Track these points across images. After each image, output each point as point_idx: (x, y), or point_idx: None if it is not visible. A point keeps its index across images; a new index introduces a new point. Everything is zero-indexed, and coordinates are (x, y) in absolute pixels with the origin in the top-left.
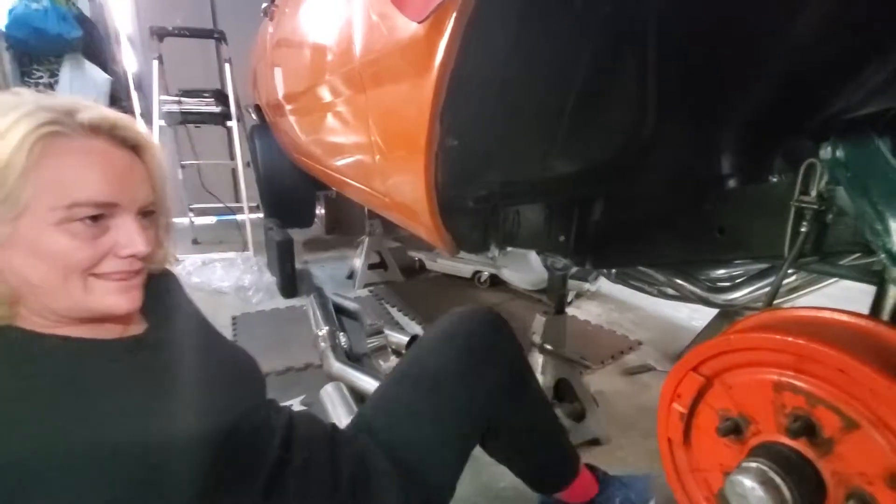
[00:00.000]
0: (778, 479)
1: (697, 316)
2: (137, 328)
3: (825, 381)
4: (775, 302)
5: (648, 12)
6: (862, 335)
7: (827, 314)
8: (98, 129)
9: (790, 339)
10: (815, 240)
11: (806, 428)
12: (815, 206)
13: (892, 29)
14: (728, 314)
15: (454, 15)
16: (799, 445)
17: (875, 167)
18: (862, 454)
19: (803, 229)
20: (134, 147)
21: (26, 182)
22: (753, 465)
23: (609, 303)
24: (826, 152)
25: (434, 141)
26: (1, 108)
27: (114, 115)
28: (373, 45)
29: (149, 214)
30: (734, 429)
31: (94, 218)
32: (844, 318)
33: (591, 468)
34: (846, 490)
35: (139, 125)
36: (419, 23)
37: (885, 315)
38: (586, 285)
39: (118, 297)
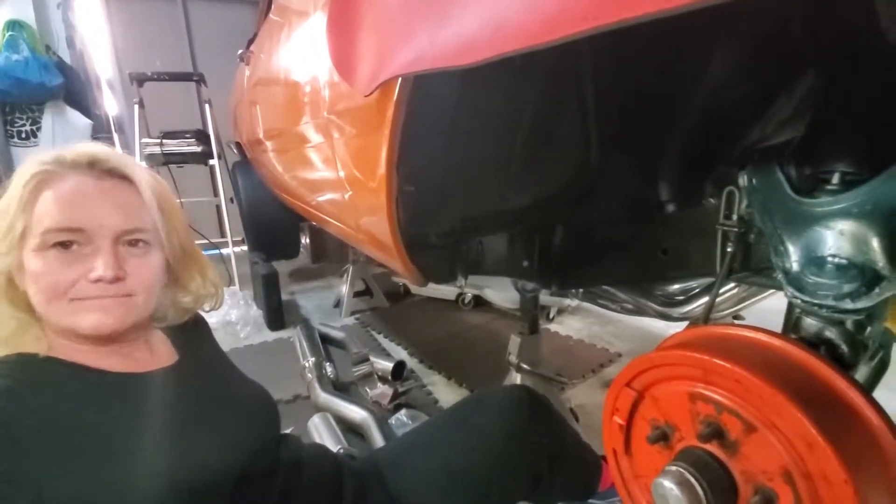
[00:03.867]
0: (693, 480)
1: (674, 326)
2: (169, 359)
3: (726, 391)
4: (720, 314)
5: (583, 63)
6: (761, 349)
7: (737, 331)
8: (79, 165)
9: (697, 355)
10: (743, 258)
11: (716, 432)
12: (736, 229)
13: (793, 71)
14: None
15: (399, 81)
16: (712, 448)
17: (776, 194)
18: (761, 453)
19: (729, 249)
20: (122, 177)
21: (21, 215)
22: (673, 468)
23: (590, 317)
24: (743, 180)
25: (393, 188)
26: (27, 161)
27: (94, 150)
28: (337, 100)
29: (137, 243)
30: (662, 436)
31: (65, 245)
32: (751, 333)
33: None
34: (753, 487)
35: (121, 157)
36: (365, 96)
37: (789, 328)
38: (567, 301)
39: (96, 315)
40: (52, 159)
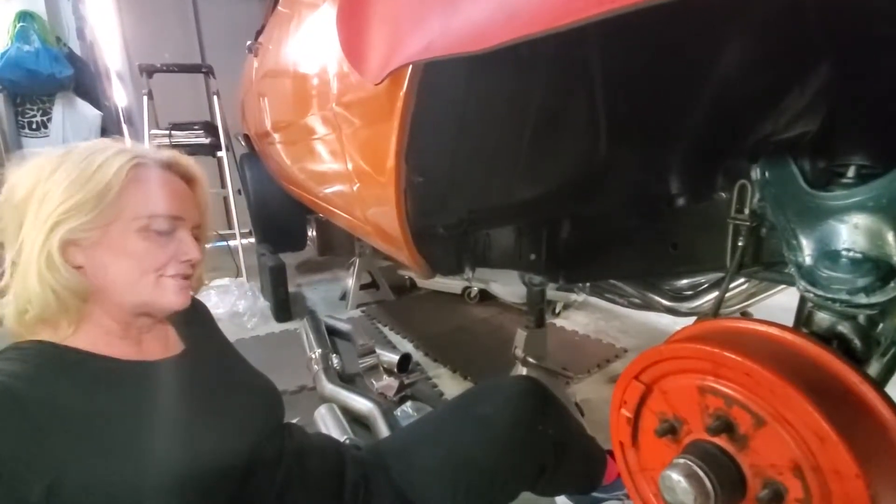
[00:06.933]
0: (701, 473)
1: (681, 322)
2: (175, 349)
3: (737, 384)
4: (729, 310)
5: (592, 53)
6: (773, 343)
7: (748, 325)
8: (167, 165)
9: (707, 348)
10: (754, 252)
11: (725, 426)
12: (748, 223)
13: (807, 63)
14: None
15: (409, 71)
16: (721, 442)
17: (790, 188)
18: (771, 447)
19: (741, 243)
20: (189, 179)
21: (120, 197)
22: (681, 461)
23: (596, 312)
24: (756, 173)
25: (401, 179)
26: (99, 147)
27: (175, 154)
28: (345, 91)
29: (196, 232)
30: (670, 430)
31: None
32: (762, 328)
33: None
34: (762, 481)
35: (191, 162)
36: (375, 84)
37: (801, 323)
38: (573, 296)
39: (177, 296)
40: (141, 153)
